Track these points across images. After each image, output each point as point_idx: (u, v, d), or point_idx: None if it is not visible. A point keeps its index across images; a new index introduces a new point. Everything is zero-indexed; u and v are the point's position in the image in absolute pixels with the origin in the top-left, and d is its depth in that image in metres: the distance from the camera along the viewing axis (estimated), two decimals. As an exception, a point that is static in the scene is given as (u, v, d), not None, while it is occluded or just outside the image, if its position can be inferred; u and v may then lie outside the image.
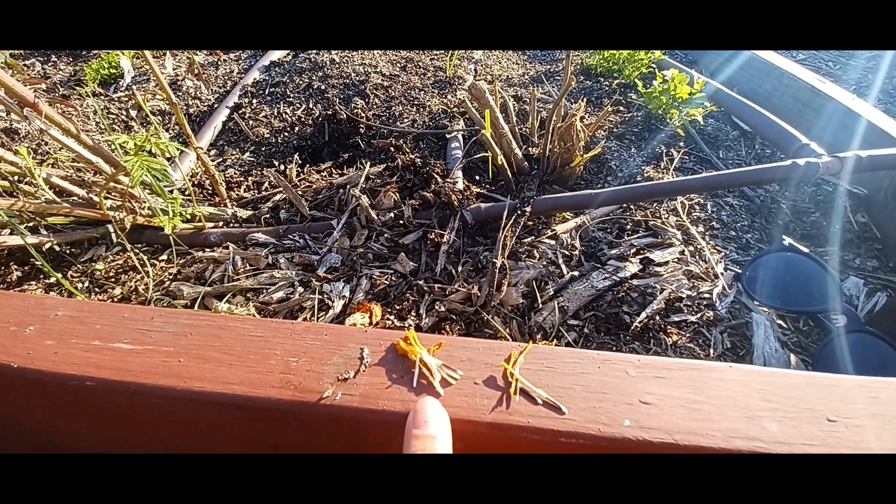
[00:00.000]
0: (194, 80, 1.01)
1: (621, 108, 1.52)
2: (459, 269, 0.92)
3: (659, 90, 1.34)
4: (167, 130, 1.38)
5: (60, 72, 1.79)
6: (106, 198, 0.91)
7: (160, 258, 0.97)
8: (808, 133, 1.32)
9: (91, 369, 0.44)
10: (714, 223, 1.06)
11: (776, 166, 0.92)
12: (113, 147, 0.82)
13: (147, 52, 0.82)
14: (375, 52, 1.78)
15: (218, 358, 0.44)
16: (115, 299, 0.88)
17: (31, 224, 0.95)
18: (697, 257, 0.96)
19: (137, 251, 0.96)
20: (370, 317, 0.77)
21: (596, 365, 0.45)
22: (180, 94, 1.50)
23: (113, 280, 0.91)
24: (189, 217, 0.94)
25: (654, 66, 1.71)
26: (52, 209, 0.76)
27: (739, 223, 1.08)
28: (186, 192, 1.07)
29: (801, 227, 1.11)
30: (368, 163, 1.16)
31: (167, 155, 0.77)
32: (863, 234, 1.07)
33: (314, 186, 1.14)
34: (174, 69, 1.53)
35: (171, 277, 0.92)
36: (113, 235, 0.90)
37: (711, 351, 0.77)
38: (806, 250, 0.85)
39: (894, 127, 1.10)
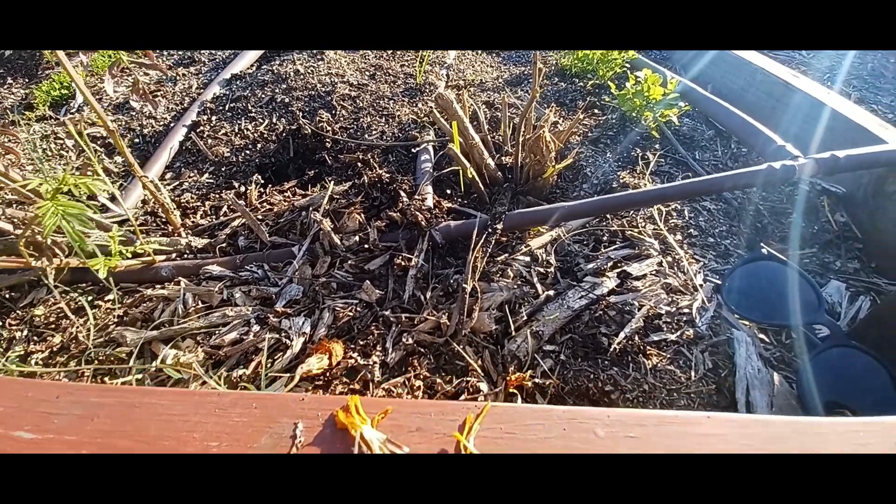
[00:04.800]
0: (140, 101, 0.93)
1: (596, 111, 1.48)
2: (428, 295, 0.86)
3: (632, 91, 1.31)
4: (118, 155, 1.30)
5: (13, 95, 1.69)
6: (31, 242, 0.84)
7: (106, 298, 0.90)
8: (784, 130, 1.29)
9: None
10: (692, 230, 1.03)
11: (752, 171, 0.88)
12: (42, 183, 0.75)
13: (79, 80, 0.76)
14: (342, 60, 1.71)
15: (127, 447, 0.38)
16: (54, 349, 0.81)
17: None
18: (676, 268, 0.92)
19: (81, 292, 0.89)
20: (329, 358, 0.71)
21: (561, 426, 0.41)
22: (134, 113, 1.41)
23: (52, 327, 0.84)
24: (133, 253, 0.88)
25: (627, 65, 1.68)
26: None
27: (717, 228, 1.05)
28: (134, 223, 1.00)
29: (779, 228, 1.08)
30: (333, 182, 1.10)
31: (104, 191, 0.70)
32: (843, 233, 1.05)
33: (276, 209, 1.08)
34: (114, 90, 1.45)
35: (115, 320, 0.85)
36: (50, 279, 0.82)
37: (692, 373, 0.73)
38: (785, 259, 0.81)
39: (872, 122, 1.08)
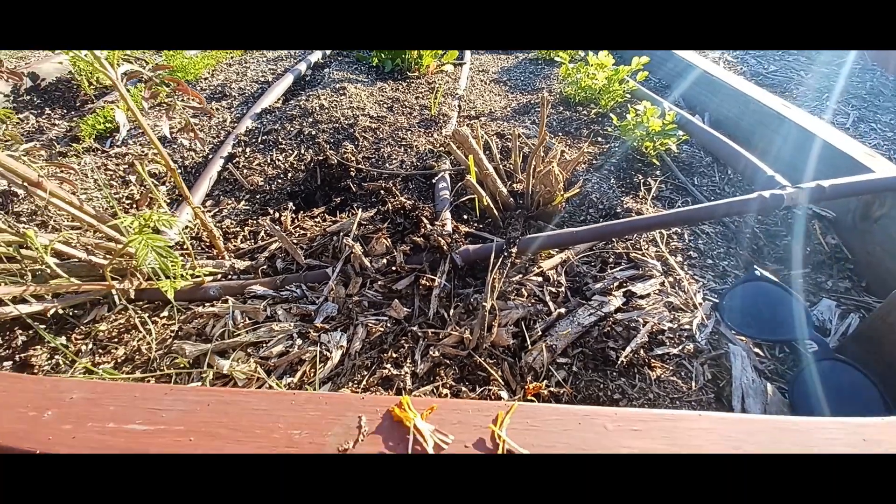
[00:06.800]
0: (191, 140, 1.05)
1: (599, 139, 1.59)
2: (451, 312, 0.96)
3: (633, 123, 1.42)
4: (163, 184, 1.42)
5: (56, 127, 1.84)
6: (105, 258, 0.95)
7: (161, 315, 1.01)
8: (778, 157, 1.39)
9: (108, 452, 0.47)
10: (691, 252, 1.11)
11: (743, 199, 0.98)
12: (112, 207, 0.86)
13: (140, 116, 0.88)
14: (363, 94, 1.85)
15: (226, 435, 0.47)
16: (119, 360, 0.90)
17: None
18: (677, 288, 1.01)
19: (139, 310, 0.99)
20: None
21: (577, 421, 0.49)
22: (175, 146, 1.55)
23: (116, 341, 0.94)
24: (190, 275, 0.98)
25: (628, 95, 1.80)
26: (60, 289, 0.80)
27: (715, 251, 1.13)
28: (184, 246, 1.11)
29: (774, 250, 1.16)
30: (360, 209, 1.21)
31: (167, 223, 0.81)
32: (834, 255, 1.13)
33: (308, 234, 1.18)
34: (168, 123, 1.58)
35: (172, 335, 0.95)
36: (115, 297, 0.93)
37: (693, 384, 0.81)
38: (775, 279, 0.90)
39: (858, 151, 1.17)
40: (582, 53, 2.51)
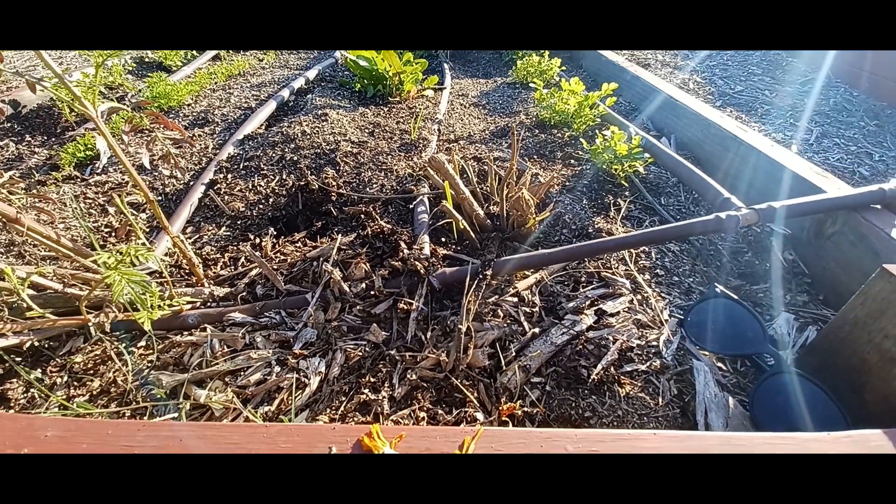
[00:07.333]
0: (171, 169, 1.07)
1: (572, 161, 1.65)
2: (429, 335, 0.98)
3: (602, 147, 1.48)
4: (144, 212, 1.43)
5: (36, 155, 1.83)
6: (81, 289, 0.95)
7: (139, 345, 1.01)
8: (738, 178, 1.47)
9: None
10: (658, 270, 1.16)
11: (702, 221, 1.03)
12: (89, 237, 0.87)
13: (119, 152, 0.89)
14: (344, 120, 1.90)
15: (199, 469, 0.49)
16: (94, 393, 0.90)
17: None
18: (645, 305, 1.05)
19: (115, 340, 0.99)
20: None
21: (539, 444, 0.52)
22: (157, 174, 1.56)
23: (91, 372, 0.94)
24: (168, 305, 0.99)
25: (598, 119, 1.88)
26: (36, 325, 0.80)
27: (681, 268, 1.18)
28: (162, 275, 1.11)
29: (737, 266, 1.22)
30: (340, 234, 1.23)
31: (145, 258, 0.82)
32: (792, 269, 1.19)
33: (289, 260, 1.20)
34: (136, 151, 1.60)
35: (149, 365, 0.95)
36: (92, 329, 0.93)
37: (660, 399, 0.84)
38: (734, 296, 0.94)
39: (810, 172, 1.25)
40: (557, 78, 2.61)
